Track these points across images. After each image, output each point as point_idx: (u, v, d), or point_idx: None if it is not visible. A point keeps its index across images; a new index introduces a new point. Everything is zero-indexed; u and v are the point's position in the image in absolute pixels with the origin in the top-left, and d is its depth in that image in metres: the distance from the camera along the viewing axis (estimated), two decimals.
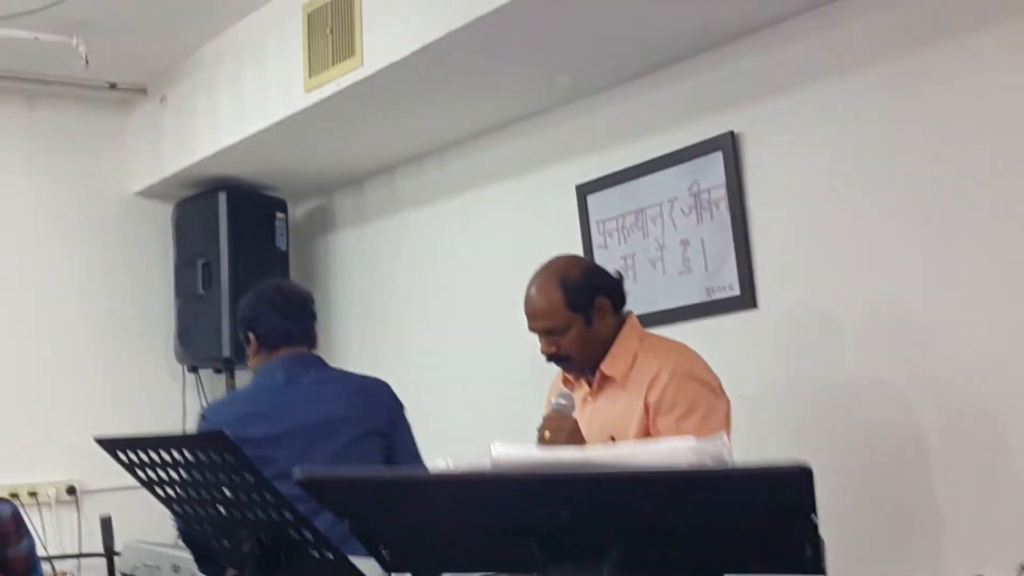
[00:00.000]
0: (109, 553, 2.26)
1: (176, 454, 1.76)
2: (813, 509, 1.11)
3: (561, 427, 2.39)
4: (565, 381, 2.65)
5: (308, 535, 1.77)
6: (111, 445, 1.85)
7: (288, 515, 1.74)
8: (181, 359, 4.70)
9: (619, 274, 2.62)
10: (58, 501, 4.44)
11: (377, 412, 2.89)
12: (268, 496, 1.72)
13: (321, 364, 2.95)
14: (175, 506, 1.97)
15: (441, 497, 1.07)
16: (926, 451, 2.81)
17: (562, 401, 2.44)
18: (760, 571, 1.26)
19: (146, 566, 3.16)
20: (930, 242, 2.82)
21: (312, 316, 2.96)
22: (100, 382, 4.61)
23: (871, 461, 2.95)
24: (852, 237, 3.00)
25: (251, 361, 2.94)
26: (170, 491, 1.91)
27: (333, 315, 4.80)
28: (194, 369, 4.75)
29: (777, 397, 3.16)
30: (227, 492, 1.78)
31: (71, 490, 4.46)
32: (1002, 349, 2.67)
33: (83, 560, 4.31)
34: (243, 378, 4.76)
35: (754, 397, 3.12)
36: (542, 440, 2.39)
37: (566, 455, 1.12)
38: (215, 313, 4.50)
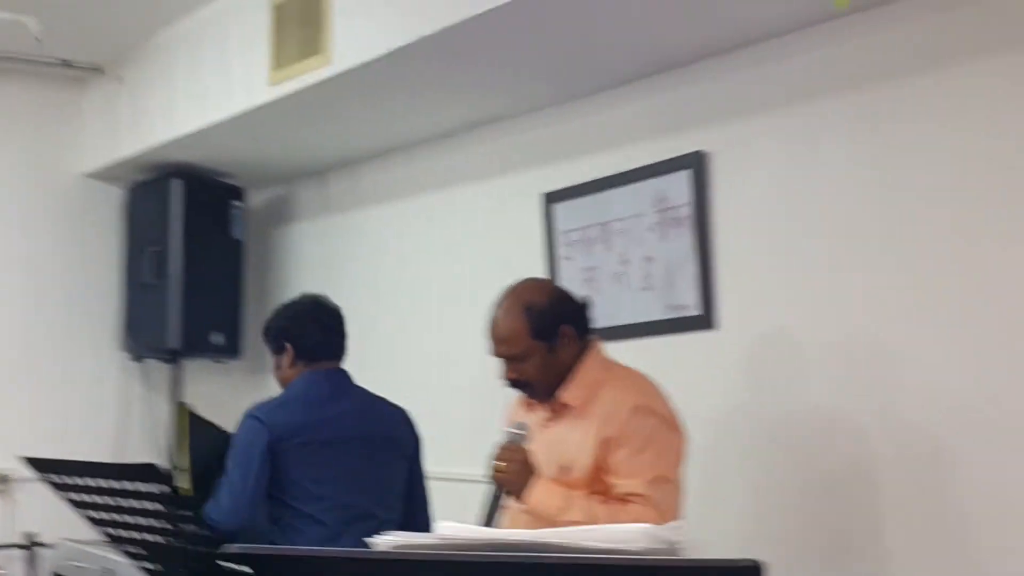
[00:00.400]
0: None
1: (111, 482, 1.68)
2: None
3: (513, 458, 2.37)
4: (525, 403, 2.60)
5: (246, 568, 1.69)
6: (40, 466, 1.77)
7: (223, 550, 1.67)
8: (127, 348, 4.58)
9: (585, 299, 2.57)
10: None
11: (411, 439, 3.11)
12: (202, 530, 1.64)
13: (352, 381, 3.06)
14: (106, 528, 1.89)
15: (386, 573, 1.00)
16: (878, 485, 2.80)
17: (517, 431, 2.40)
18: None
19: (76, 567, 3.06)
20: (894, 274, 2.79)
21: (345, 333, 3.08)
22: (40, 367, 4.49)
23: (822, 489, 2.93)
24: (816, 264, 2.97)
25: (283, 371, 3.02)
26: (104, 515, 1.82)
27: None
28: (140, 359, 4.64)
29: (732, 419, 3.13)
30: (163, 523, 1.70)
31: (3, 478, 4.33)
32: (962, 388, 2.65)
33: (13, 551, 4.18)
34: (191, 369, 4.66)
35: (709, 419, 3.09)
36: (494, 471, 2.34)
37: (516, 536, 1.06)
38: (164, 303, 4.39)
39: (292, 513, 2.82)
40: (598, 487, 2.39)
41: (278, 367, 3.04)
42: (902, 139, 2.79)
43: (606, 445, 2.37)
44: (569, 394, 2.47)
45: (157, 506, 1.66)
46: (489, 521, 2.31)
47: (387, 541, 1.08)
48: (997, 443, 2.58)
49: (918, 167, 2.75)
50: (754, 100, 3.12)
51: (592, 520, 2.29)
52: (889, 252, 2.80)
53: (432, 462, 4.08)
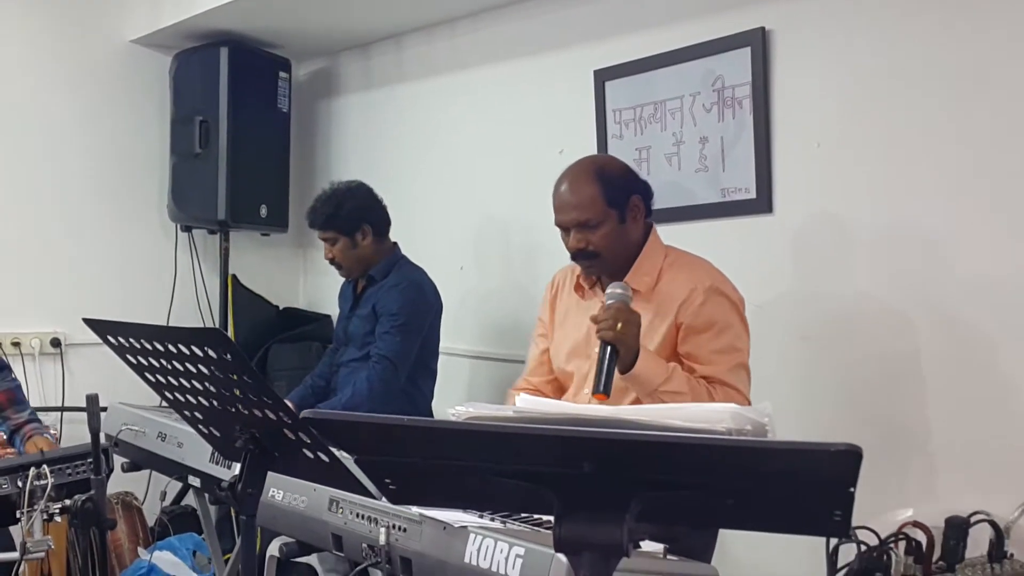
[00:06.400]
0: (95, 434, 2.18)
1: (171, 346, 1.68)
2: (853, 484, 1.05)
3: (631, 320, 2.20)
4: (578, 288, 2.56)
5: (305, 437, 1.71)
6: (101, 328, 1.77)
7: (285, 417, 1.68)
8: (174, 218, 4.58)
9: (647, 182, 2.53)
10: (42, 353, 4.37)
11: None
12: (266, 398, 1.65)
13: None
14: (165, 392, 1.90)
15: (459, 445, 1.00)
16: (924, 374, 2.77)
17: (619, 291, 2.25)
18: (783, 531, 1.21)
19: (131, 430, 3.11)
20: (959, 165, 2.71)
21: None
22: (90, 235, 4.51)
23: (871, 379, 2.91)
24: (878, 151, 2.88)
25: (369, 248, 3.54)
26: (161, 378, 1.84)
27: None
28: (187, 229, 4.65)
29: (784, 304, 3.10)
30: (222, 388, 1.71)
31: (55, 342, 4.39)
32: (1012, 280, 2.60)
33: (65, 414, 4.28)
34: (237, 240, 4.68)
35: (761, 304, 3.06)
36: (611, 330, 2.17)
37: (595, 411, 1.05)
38: (211, 173, 4.37)
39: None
40: None
41: (354, 245, 3.49)
42: (978, 24, 2.66)
43: (678, 331, 2.34)
44: (635, 279, 2.41)
45: (224, 374, 1.66)
46: (601, 383, 2.13)
47: (462, 412, 1.07)
48: None
49: (993, 55, 2.63)
50: None
51: (691, 390, 2.22)
52: (954, 144, 2.71)
53: (470, 340, 4.12)
